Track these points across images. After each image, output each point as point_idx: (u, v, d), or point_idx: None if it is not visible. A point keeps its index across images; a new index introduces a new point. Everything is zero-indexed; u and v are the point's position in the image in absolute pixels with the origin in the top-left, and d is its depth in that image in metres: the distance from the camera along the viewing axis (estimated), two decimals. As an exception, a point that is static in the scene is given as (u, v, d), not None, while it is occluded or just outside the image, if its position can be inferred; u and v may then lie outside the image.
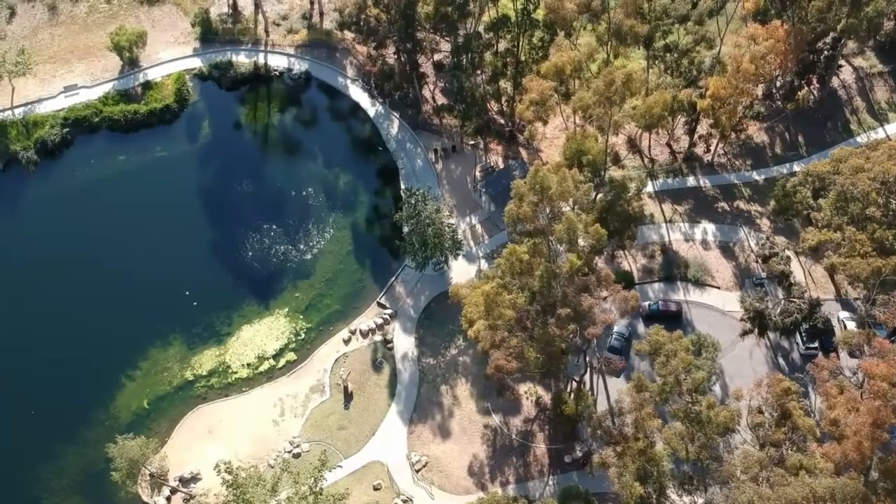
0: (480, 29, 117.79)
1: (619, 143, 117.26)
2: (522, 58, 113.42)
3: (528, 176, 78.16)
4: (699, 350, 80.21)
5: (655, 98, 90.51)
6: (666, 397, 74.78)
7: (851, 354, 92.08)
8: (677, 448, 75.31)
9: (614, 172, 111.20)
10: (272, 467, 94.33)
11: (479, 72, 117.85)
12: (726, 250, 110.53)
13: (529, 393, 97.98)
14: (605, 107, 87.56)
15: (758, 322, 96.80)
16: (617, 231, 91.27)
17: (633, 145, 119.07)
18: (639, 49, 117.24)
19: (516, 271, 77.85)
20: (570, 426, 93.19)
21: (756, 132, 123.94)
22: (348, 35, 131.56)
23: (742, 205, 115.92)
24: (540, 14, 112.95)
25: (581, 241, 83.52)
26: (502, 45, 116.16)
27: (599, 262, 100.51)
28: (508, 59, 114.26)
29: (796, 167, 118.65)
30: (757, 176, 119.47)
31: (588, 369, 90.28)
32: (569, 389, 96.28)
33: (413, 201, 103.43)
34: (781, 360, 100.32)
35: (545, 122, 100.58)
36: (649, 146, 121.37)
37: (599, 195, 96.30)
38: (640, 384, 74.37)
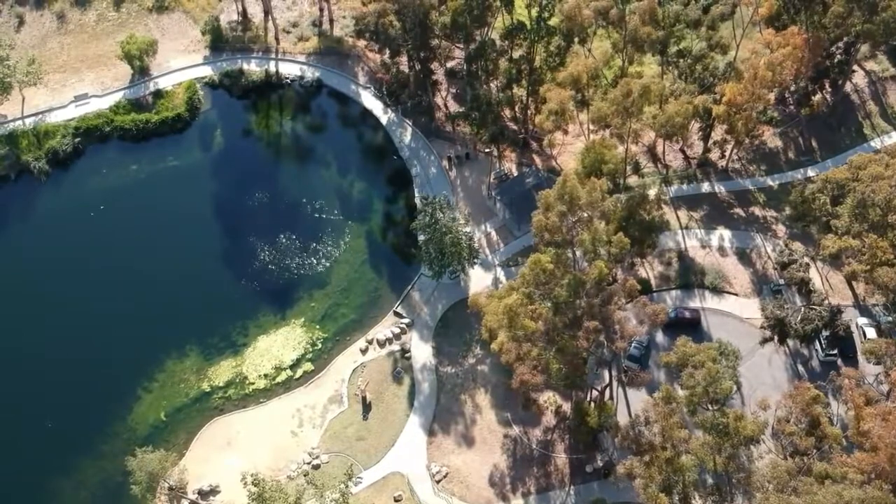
0: (494, 36, 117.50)
1: (635, 150, 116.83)
2: (537, 64, 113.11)
3: (556, 186, 77.72)
4: (720, 358, 79.85)
5: (677, 107, 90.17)
6: (694, 408, 74.39)
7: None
8: (704, 459, 74.95)
9: (628, 180, 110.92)
10: (291, 479, 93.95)
11: (492, 79, 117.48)
12: (743, 257, 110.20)
13: (549, 403, 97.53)
14: (623, 117, 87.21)
15: (778, 329, 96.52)
16: (637, 240, 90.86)
17: (651, 153, 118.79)
18: (653, 55, 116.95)
19: (541, 281, 77.39)
20: (590, 436, 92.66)
21: (769, 137, 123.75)
22: (359, 42, 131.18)
23: (757, 210, 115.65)
24: (554, 20, 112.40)
25: (601, 251, 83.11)
26: (516, 53, 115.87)
27: (618, 270, 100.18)
28: (523, 66, 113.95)
29: (811, 172, 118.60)
30: (771, 181, 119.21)
31: (611, 380, 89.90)
32: (588, 399, 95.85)
33: (430, 210, 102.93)
34: (801, 367, 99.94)
35: (565, 132, 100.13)
36: (663, 152, 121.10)
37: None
38: (668, 395, 74.00)
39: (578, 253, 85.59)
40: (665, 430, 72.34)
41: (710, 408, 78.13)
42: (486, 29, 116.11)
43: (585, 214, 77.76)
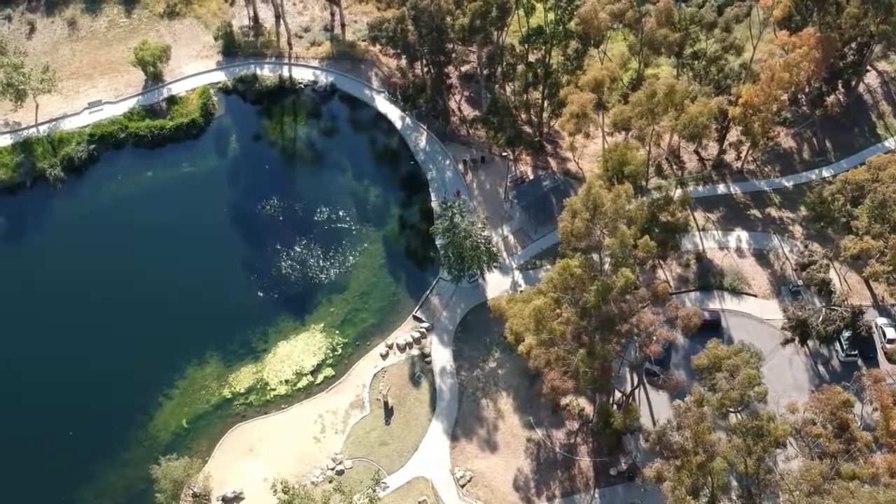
0: (510, 40, 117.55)
1: (654, 153, 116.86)
2: (553, 68, 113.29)
3: (580, 192, 77.83)
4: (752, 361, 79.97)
5: (699, 108, 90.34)
6: (726, 412, 74.58)
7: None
8: (735, 461, 75.10)
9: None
10: (315, 485, 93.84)
11: (509, 82, 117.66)
12: (761, 258, 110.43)
13: (572, 406, 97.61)
14: (648, 119, 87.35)
15: (800, 331, 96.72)
16: (660, 242, 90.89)
17: (675, 155, 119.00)
18: (669, 57, 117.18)
19: (569, 286, 77.47)
20: (615, 439, 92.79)
21: (783, 138, 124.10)
22: (373, 47, 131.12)
23: (773, 212, 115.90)
24: (571, 25, 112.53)
25: (628, 257, 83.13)
26: (533, 56, 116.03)
27: (639, 274, 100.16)
28: (539, 70, 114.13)
29: (825, 172, 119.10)
30: (786, 182, 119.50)
31: (639, 383, 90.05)
32: (610, 401, 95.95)
33: (450, 214, 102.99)
34: (821, 368, 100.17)
35: (588, 135, 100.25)
36: (678, 154, 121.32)
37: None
38: (700, 398, 74.14)
39: (602, 255, 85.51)
40: (697, 434, 72.37)
41: (736, 410, 78.40)
42: (502, 32, 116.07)
43: (610, 220, 77.50)
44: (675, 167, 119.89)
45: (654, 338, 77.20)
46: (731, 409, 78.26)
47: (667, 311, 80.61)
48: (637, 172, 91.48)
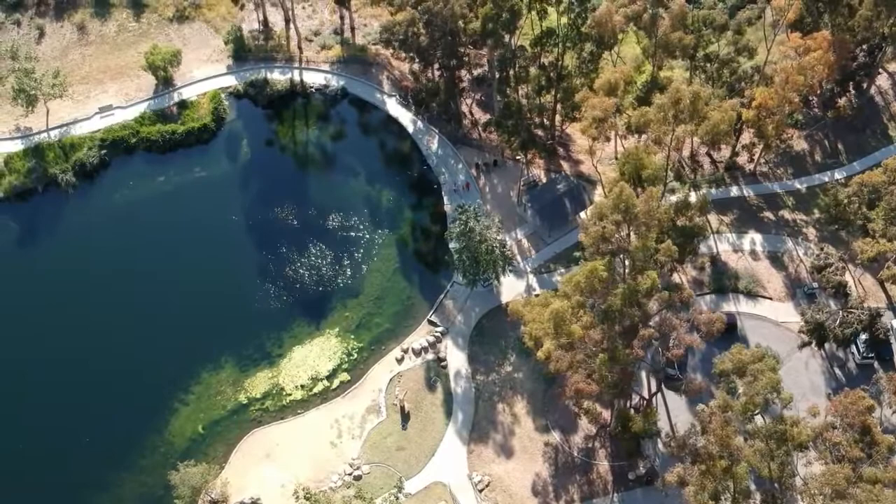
0: (523, 43, 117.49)
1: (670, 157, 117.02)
2: (566, 71, 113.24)
3: (612, 195, 77.56)
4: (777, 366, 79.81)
5: (721, 115, 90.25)
6: (750, 416, 74.54)
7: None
8: (759, 466, 75.01)
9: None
10: (333, 490, 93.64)
11: (522, 85, 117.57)
12: (775, 260, 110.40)
13: (592, 409, 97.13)
14: (672, 124, 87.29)
15: (817, 334, 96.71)
16: (680, 246, 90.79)
17: (692, 159, 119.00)
18: (683, 60, 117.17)
19: (594, 290, 77.25)
20: (633, 443, 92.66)
21: (796, 140, 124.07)
22: (383, 50, 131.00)
23: (787, 214, 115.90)
24: (584, 28, 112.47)
25: (650, 260, 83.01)
26: (546, 59, 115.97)
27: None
28: (551, 73, 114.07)
29: (837, 175, 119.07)
30: (799, 185, 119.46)
31: (658, 387, 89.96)
32: (628, 406, 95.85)
33: (465, 218, 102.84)
34: (837, 371, 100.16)
35: (608, 139, 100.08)
36: (690, 158, 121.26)
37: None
38: (725, 403, 74.07)
39: (623, 259, 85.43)
40: (722, 438, 72.30)
41: (757, 414, 78.25)
42: (514, 35, 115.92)
43: (642, 223, 77.37)
44: (688, 171, 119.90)
45: (676, 342, 77.01)
46: (755, 413, 78.13)
47: (689, 316, 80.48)
48: (655, 177, 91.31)
